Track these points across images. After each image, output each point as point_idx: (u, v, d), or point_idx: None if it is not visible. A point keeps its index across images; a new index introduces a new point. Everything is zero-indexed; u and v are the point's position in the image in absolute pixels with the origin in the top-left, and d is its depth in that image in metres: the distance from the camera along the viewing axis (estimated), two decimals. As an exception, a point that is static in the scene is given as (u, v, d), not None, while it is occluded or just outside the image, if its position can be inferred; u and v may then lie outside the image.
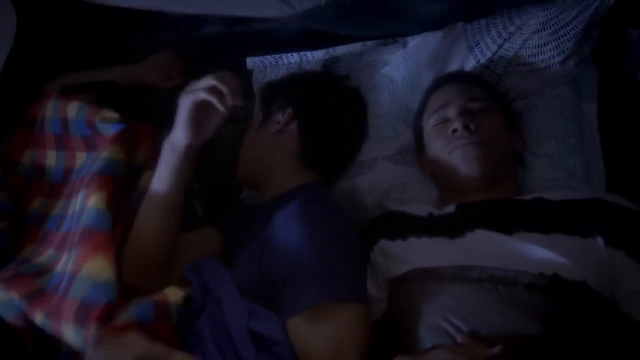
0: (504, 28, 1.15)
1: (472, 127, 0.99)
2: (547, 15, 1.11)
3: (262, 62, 1.38)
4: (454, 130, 1.00)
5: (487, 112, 1.03)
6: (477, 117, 1.01)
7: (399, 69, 1.24)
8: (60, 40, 1.43)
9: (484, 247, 0.90)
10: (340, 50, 1.32)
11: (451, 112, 1.03)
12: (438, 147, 1.04)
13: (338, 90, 1.22)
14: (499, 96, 1.10)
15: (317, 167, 1.13)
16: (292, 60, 1.36)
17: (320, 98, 1.17)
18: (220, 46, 1.43)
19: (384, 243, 0.99)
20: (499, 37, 1.16)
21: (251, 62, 1.38)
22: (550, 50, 1.11)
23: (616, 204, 0.91)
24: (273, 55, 1.37)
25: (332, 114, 1.16)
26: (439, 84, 1.12)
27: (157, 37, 1.43)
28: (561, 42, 1.10)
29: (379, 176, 1.18)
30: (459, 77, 1.13)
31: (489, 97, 1.06)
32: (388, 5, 1.16)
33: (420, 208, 1.05)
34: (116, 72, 1.36)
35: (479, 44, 1.18)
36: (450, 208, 1.00)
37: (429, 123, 1.07)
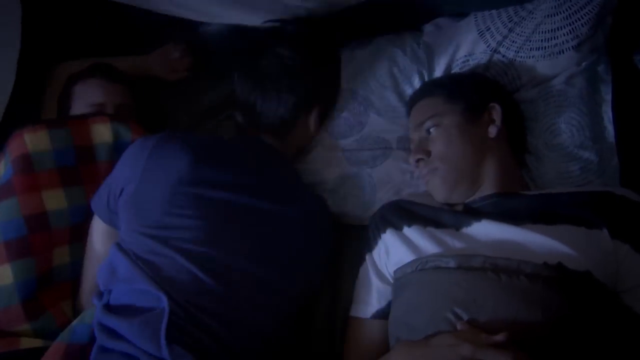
0: (514, 12, 1.13)
1: (424, 157, 1.02)
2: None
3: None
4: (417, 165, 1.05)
5: (437, 127, 1.02)
6: (430, 138, 1.03)
7: (412, 58, 1.22)
8: (65, 33, 1.44)
9: (489, 236, 0.90)
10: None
11: (412, 146, 1.08)
12: (416, 175, 1.12)
13: None
14: (453, 90, 1.06)
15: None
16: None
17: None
18: (228, 40, 1.41)
19: (390, 233, 1.00)
20: (509, 21, 1.14)
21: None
22: (564, 35, 1.09)
23: (624, 197, 0.90)
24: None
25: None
26: (407, 114, 1.15)
27: (164, 31, 1.43)
28: (575, 27, 1.08)
29: (393, 167, 1.18)
30: (412, 100, 1.13)
31: (438, 103, 1.05)
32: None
33: (429, 199, 1.05)
34: (122, 62, 1.36)
35: (489, 28, 1.16)
36: (459, 207, 1.01)
37: None
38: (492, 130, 1.02)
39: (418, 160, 1.03)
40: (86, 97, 1.24)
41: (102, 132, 1.11)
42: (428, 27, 1.25)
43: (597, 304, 0.80)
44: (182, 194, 0.93)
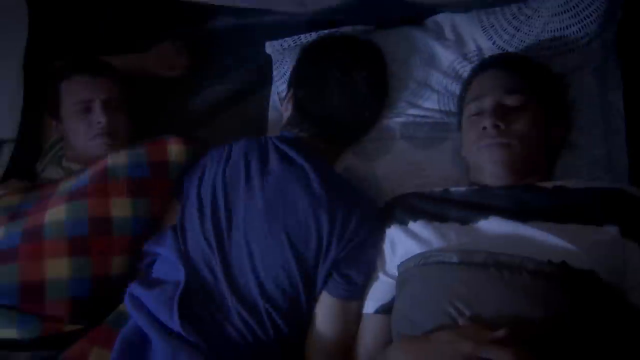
0: (518, 9, 1.13)
1: (502, 126, 0.95)
2: (565, -3, 1.08)
3: (280, 45, 1.38)
4: (485, 127, 0.97)
5: (524, 110, 0.97)
6: (511, 114, 0.97)
7: (417, 47, 1.22)
8: (72, 30, 1.47)
9: (495, 232, 0.89)
10: (358, 29, 1.30)
11: (485, 105, 1.00)
12: (470, 137, 1.02)
13: None
14: (545, 87, 1.04)
15: None
16: (311, 40, 1.34)
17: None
18: (231, 38, 1.46)
19: (395, 227, 1.00)
20: (514, 19, 1.14)
21: (270, 46, 1.39)
22: (574, 33, 1.09)
23: (635, 195, 0.89)
24: (292, 37, 1.37)
25: None
26: (482, 67, 1.08)
27: (168, 28, 1.47)
28: (585, 25, 1.08)
29: (396, 159, 1.17)
30: (503, 63, 1.06)
31: (531, 89, 1.00)
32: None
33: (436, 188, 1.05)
34: (120, 60, 1.37)
35: (493, 25, 1.16)
36: (474, 187, 1.00)
37: (467, 111, 1.05)
38: (560, 135, 1.04)
39: (495, 126, 0.96)
40: (73, 95, 1.24)
41: (178, 152, 1.18)
42: (429, 23, 1.25)
43: (600, 302, 0.79)
44: None
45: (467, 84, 1.10)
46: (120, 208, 1.10)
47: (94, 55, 1.33)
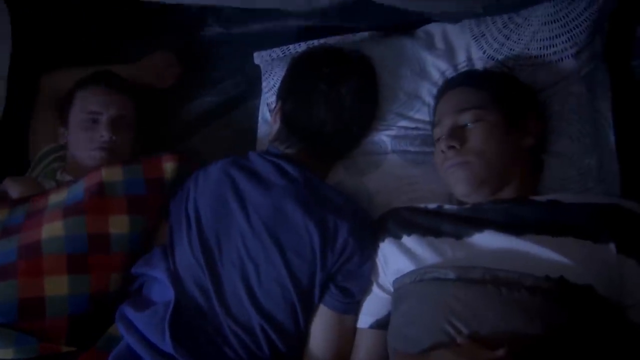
0: (509, 18, 1.13)
1: (457, 146, 0.98)
2: (555, 7, 1.09)
3: (269, 55, 1.37)
4: (443, 151, 1.00)
5: (480, 121, 0.99)
6: (468, 130, 0.99)
7: (407, 57, 1.22)
8: (59, 40, 1.45)
9: (491, 247, 0.89)
10: (348, 38, 1.30)
11: (444, 129, 1.02)
12: (437, 162, 1.05)
13: None
14: (505, 96, 1.04)
15: None
16: (299, 51, 1.33)
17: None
18: (220, 47, 1.44)
19: (388, 242, 0.99)
20: (504, 27, 1.14)
21: (258, 56, 1.38)
22: (563, 43, 1.09)
23: (631, 210, 0.89)
24: (280, 48, 1.36)
25: None
26: (440, 92, 1.11)
27: (156, 39, 1.45)
28: (574, 34, 1.08)
29: (387, 174, 1.17)
30: (456, 83, 1.09)
31: (486, 102, 1.01)
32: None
33: (428, 203, 1.04)
34: (114, 70, 1.36)
35: (484, 34, 1.16)
36: (467, 205, 1.00)
37: (434, 136, 1.07)
38: (529, 141, 1.01)
39: (450, 147, 0.99)
40: (85, 104, 1.25)
41: (172, 169, 1.19)
42: (420, 33, 1.24)
43: (598, 318, 0.79)
44: None
45: (433, 111, 1.12)
46: (119, 225, 1.10)
47: (114, 72, 1.33)
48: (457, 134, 0.99)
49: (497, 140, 0.98)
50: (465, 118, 1.00)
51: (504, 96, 1.03)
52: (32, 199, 1.15)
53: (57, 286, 1.01)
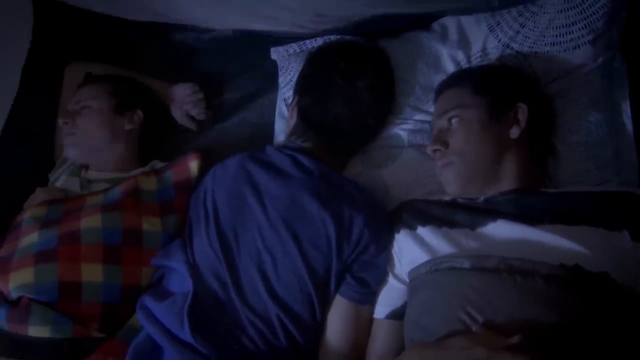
0: (524, 7, 1.12)
1: (442, 148, 1.01)
2: (572, -6, 1.08)
3: (286, 50, 1.38)
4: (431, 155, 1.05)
5: (460, 120, 1.00)
6: (452, 130, 1.02)
7: (423, 50, 1.22)
8: (76, 49, 1.49)
9: (505, 236, 0.90)
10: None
11: (432, 134, 1.06)
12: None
13: None
14: (479, 83, 1.04)
15: None
16: (316, 46, 1.34)
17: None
18: (234, 45, 1.46)
19: (403, 233, 1.00)
20: (520, 15, 1.13)
21: (275, 52, 1.39)
22: (579, 30, 1.08)
23: None
24: (297, 43, 1.37)
25: None
26: (434, 101, 1.14)
27: (171, 43, 1.50)
28: (591, 21, 1.07)
29: (404, 167, 1.17)
30: (441, 87, 1.11)
31: (464, 94, 1.02)
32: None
33: (443, 196, 1.05)
34: (147, 81, 1.42)
35: (499, 23, 1.15)
36: (479, 201, 0.99)
37: None
38: (515, 131, 0.99)
39: (435, 151, 1.02)
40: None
41: (197, 167, 1.23)
42: (435, 26, 1.24)
43: (614, 305, 0.79)
44: None
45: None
46: (151, 224, 1.15)
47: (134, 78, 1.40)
48: (441, 137, 1.02)
49: (478, 136, 0.99)
50: (447, 120, 1.02)
51: (482, 87, 1.03)
52: (67, 201, 1.21)
53: (92, 273, 1.06)
